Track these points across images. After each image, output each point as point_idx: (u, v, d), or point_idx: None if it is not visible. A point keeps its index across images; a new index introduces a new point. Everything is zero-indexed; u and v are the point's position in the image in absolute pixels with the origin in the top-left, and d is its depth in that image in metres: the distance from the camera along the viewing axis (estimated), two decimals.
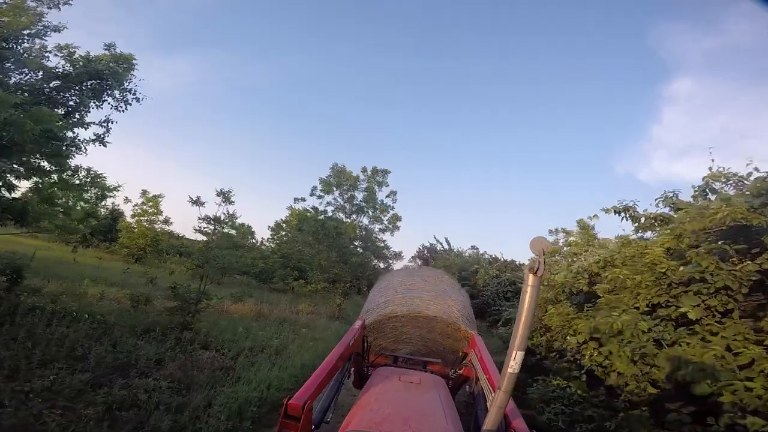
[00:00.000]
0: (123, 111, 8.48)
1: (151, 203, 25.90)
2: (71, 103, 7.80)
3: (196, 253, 11.01)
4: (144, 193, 26.01)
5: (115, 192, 9.87)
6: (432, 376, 3.49)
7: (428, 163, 54.93)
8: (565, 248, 21.12)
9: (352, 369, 3.86)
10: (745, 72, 41.89)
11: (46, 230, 8.35)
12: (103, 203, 25.36)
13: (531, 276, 1.64)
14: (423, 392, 2.82)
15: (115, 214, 26.85)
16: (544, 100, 48.93)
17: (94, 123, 8.17)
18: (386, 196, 16.16)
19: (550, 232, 24.10)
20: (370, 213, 15.70)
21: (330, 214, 15.73)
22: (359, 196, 16.04)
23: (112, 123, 8.33)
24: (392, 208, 15.78)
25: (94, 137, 8.07)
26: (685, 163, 48.13)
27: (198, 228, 9.04)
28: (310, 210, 16.18)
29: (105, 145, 8.12)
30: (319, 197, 15.81)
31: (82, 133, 11.31)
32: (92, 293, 9.31)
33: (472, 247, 20.64)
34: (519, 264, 20.91)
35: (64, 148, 7.30)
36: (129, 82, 8.47)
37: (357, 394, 3.33)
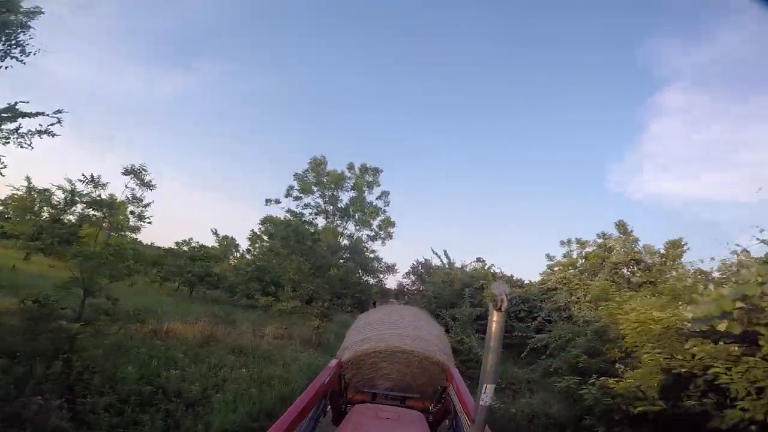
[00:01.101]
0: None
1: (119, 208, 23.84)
2: None
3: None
4: (111, 198, 23.98)
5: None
6: (410, 411, 3.52)
7: (425, 171, 52.21)
8: (580, 261, 18.71)
9: (328, 407, 3.73)
10: (736, 84, 40.89)
11: None
12: (72, 209, 23.79)
13: (496, 312, 1.68)
14: (401, 428, 2.84)
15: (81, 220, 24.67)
16: (535, 110, 46.07)
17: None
18: (377, 198, 13.74)
19: (562, 243, 21.61)
20: (357, 217, 13.06)
21: (309, 217, 13.22)
22: (345, 198, 13.62)
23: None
24: (384, 211, 13.35)
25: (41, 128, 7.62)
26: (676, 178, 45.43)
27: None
28: (288, 214, 13.57)
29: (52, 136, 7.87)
30: (296, 198, 13.34)
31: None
32: None
33: (478, 260, 17.76)
34: (528, 282, 18.14)
35: None
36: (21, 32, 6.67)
37: None
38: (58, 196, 21.23)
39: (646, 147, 43.60)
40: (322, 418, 3.48)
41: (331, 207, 13.01)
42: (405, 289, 29.94)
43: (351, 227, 13.40)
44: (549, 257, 20.61)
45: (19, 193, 20.99)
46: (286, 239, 11.00)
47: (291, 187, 13.64)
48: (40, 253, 19.81)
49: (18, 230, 20.75)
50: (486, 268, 16.34)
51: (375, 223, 13.24)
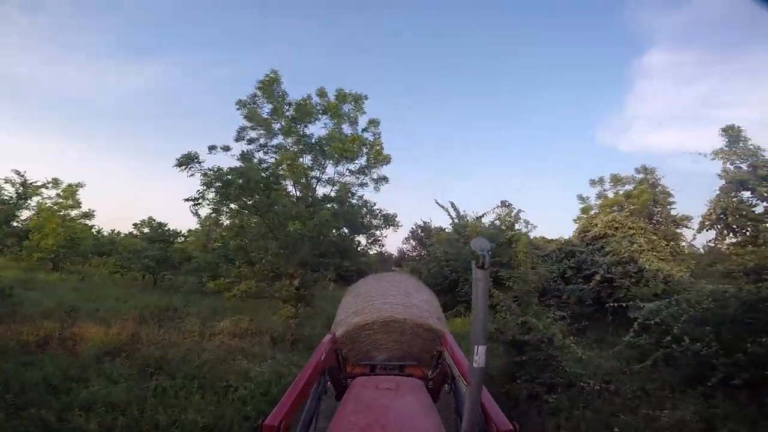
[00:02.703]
0: None
1: (64, 193, 20.03)
2: None
3: None
4: (55, 181, 20.19)
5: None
6: (409, 379, 3.46)
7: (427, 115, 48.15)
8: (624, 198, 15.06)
9: (329, 383, 3.60)
10: (716, 45, 42.52)
11: None
12: (26, 203, 19.99)
13: (480, 270, 1.62)
14: (401, 397, 2.78)
15: (12, 210, 20.91)
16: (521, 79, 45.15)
17: None
18: (363, 130, 9.85)
19: (592, 182, 17.78)
20: (336, 156, 9.19)
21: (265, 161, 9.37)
22: (320, 134, 9.73)
23: None
24: (375, 145, 9.45)
25: None
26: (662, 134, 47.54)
27: None
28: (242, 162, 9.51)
29: None
30: (250, 142, 9.40)
31: None
32: None
33: (503, 204, 13.34)
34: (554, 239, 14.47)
35: None
36: None
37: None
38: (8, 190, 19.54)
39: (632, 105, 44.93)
40: (324, 395, 3.37)
41: (297, 147, 9.09)
42: (406, 255, 26.75)
43: (330, 171, 9.54)
44: (581, 198, 17.23)
45: None
46: (225, 188, 7.23)
47: (243, 128, 9.60)
48: None
49: None
50: (513, 214, 12.62)
51: (362, 157, 9.41)
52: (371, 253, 10.02)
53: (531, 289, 6.94)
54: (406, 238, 27.35)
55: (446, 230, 19.09)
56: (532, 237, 13.50)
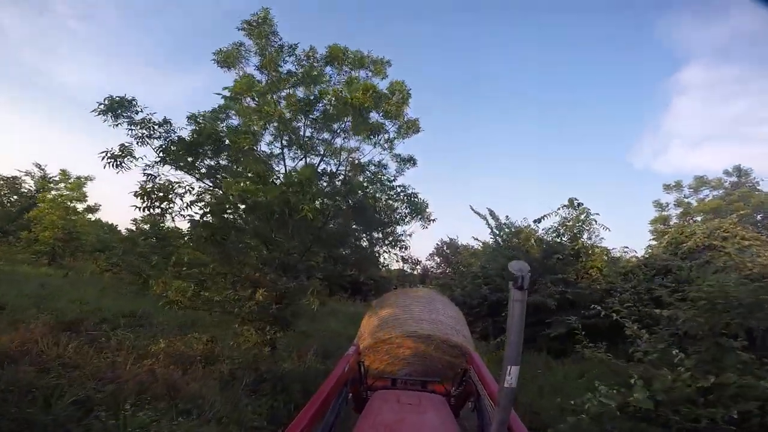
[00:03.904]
0: None
1: (71, 186, 19.17)
2: None
3: None
4: (63, 173, 19.51)
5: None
6: (431, 395, 3.40)
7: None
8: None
9: (350, 395, 3.56)
10: (755, 59, 39.25)
11: None
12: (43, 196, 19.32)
13: (518, 291, 1.61)
14: (423, 413, 2.73)
15: (28, 203, 20.52)
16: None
17: None
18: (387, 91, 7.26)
19: (666, 188, 14.95)
20: (336, 126, 6.66)
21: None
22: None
23: None
24: (399, 102, 6.87)
25: None
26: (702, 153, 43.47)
27: None
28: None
29: None
30: (235, 99, 6.94)
31: None
32: None
33: (571, 204, 9.79)
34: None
35: None
36: None
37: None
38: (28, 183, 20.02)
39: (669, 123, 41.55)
40: (344, 406, 3.29)
41: (286, 101, 6.55)
42: (430, 272, 24.10)
43: (338, 142, 6.99)
44: (659, 205, 14.85)
45: None
46: (166, 151, 4.79)
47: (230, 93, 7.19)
48: None
49: None
50: (584, 215, 9.44)
51: (392, 125, 6.86)
52: (392, 254, 7.11)
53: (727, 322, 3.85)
54: (430, 254, 25.02)
55: (471, 245, 16.63)
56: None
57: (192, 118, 5.73)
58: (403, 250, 7.16)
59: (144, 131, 5.15)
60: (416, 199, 6.89)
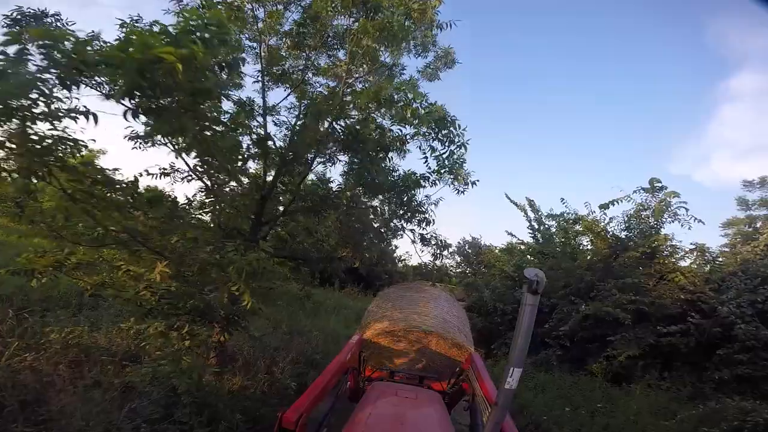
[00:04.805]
0: None
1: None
2: None
3: None
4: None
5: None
6: (429, 391, 3.43)
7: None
8: None
9: (348, 384, 3.61)
10: None
11: None
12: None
13: (531, 295, 1.63)
14: (419, 408, 2.74)
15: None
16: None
17: None
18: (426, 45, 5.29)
19: (745, 184, 12.61)
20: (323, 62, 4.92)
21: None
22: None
23: None
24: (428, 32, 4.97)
25: None
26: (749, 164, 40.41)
27: None
28: None
29: None
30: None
31: None
32: None
33: (651, 187, 7.41)
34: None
35: None
36: None
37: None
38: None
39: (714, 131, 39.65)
40: (340, 393, 3.29)
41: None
42: (449, 272, 22.39)
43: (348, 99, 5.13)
44: (743, 202, 13.71)
45: None
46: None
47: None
48: None
49: None
50: (664, 203, 7.13)
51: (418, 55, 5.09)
52: (407, 231, 5.04)
53: None
54: (450, 253, 23.34)
55: (499, 247, 14.80)
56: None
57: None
58: (424, 225, 5.33)
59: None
60: (449, 124, 4.38)
